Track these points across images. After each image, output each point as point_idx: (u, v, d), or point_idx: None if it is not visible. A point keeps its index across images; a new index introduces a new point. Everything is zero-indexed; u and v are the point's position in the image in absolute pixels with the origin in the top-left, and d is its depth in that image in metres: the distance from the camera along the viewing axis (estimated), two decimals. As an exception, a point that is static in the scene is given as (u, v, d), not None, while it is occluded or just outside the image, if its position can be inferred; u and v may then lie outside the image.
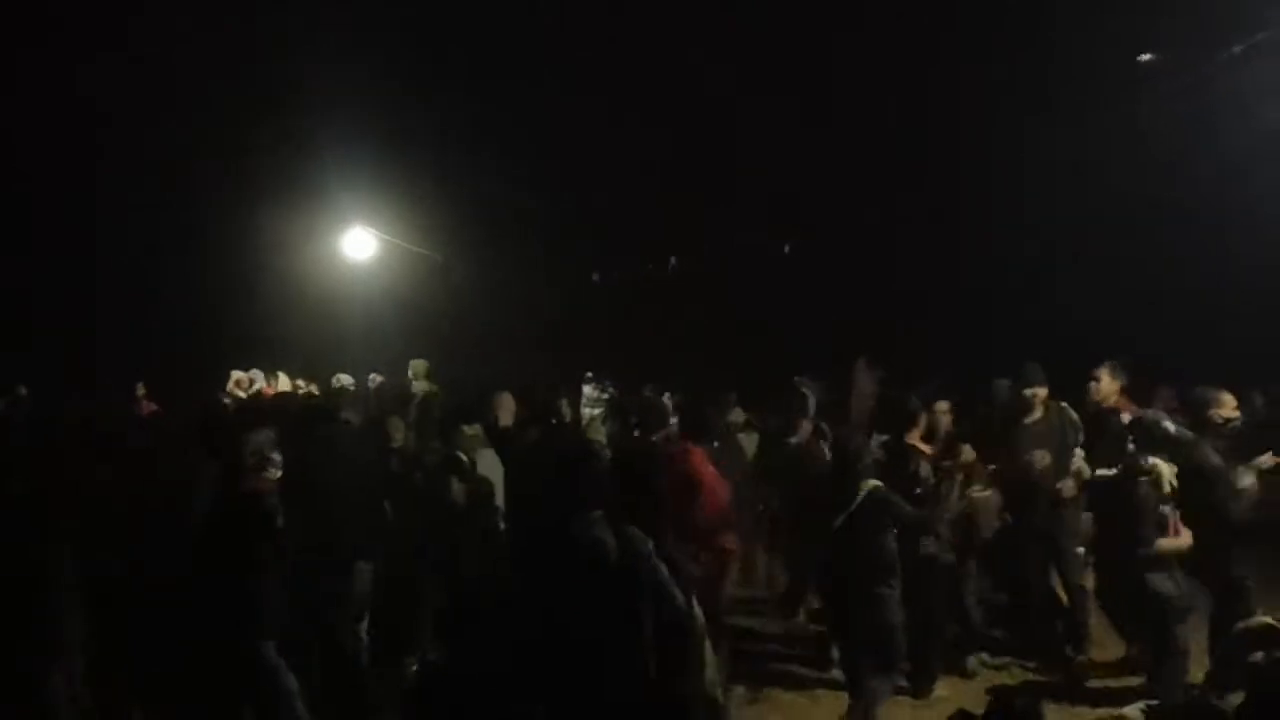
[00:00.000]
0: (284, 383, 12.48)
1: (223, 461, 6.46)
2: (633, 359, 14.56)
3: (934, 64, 14.76)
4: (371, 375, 13.56)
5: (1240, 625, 4.75)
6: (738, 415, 9.80)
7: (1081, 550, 7.62)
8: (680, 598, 5.07)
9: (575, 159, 17.09)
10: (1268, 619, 4.69)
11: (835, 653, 7.38)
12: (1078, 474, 7.41)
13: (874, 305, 16.49)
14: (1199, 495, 6.41)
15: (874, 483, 6.37)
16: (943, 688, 7.21)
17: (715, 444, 8.16)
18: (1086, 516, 7.51)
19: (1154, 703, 4.75)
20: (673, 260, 17.41)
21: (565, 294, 18.48)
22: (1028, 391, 7.78)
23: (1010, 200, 14.98)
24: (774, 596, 9.04)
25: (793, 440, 8.55)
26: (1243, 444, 6.95)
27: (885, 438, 7.51)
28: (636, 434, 9.21)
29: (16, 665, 5.75)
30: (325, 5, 14.70)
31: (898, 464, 7.03)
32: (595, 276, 18.06)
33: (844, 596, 6.55)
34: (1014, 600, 8.04)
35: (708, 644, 5.36)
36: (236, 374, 12.19)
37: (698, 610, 5.28)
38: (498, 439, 7.70)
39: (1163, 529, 6.41)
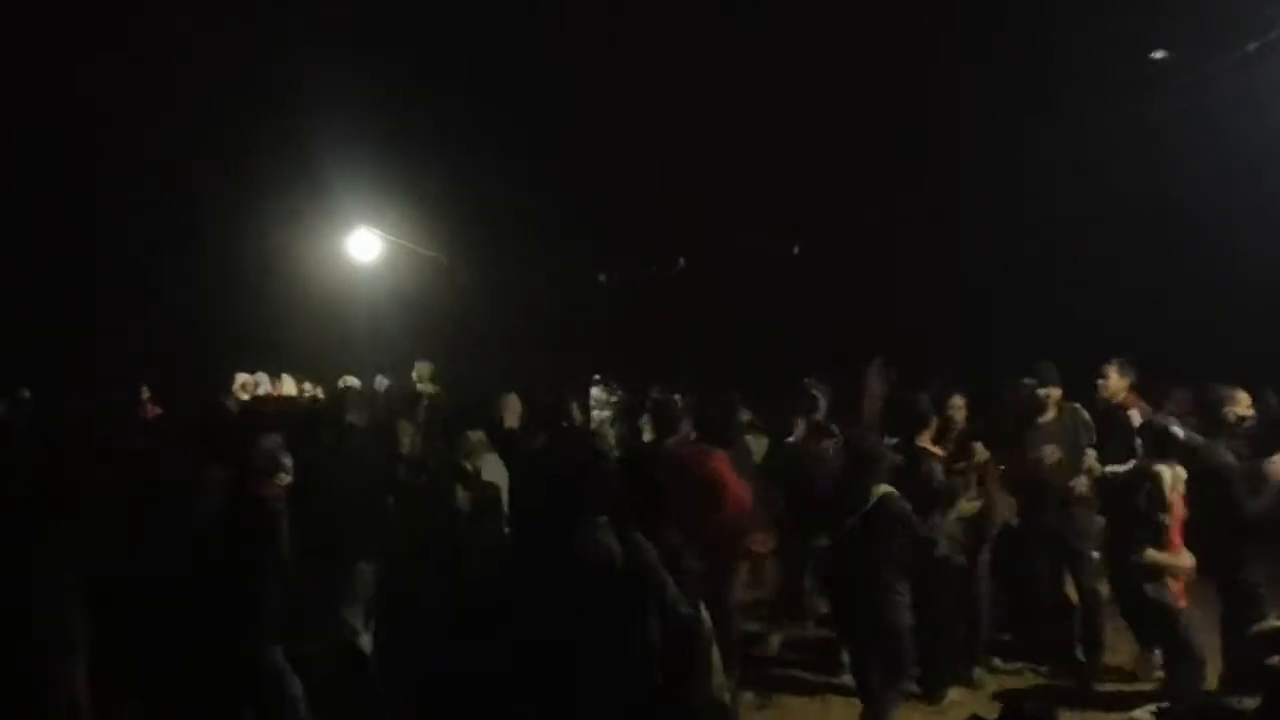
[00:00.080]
0: (288, 385, 12.45)
1: (231, 465, 6.45)
2: (636, 359, 14.51)
3: (934, 64, 14.74)
4: (378, 377, 13.54)
5: (1255, 629, 4.73)
6: (742, 416, 9.75)
7: (1096, 554, 7.60)
8: (685, 603, 5.05)
9: (576, 159, 17.07)
10: (1281, 623, 4.66)
11: (845, 657, 7.36)
12: (1090, 471, 7.38)
13: (874, 305, 16.48)
14: (1214, 496, 6.39)
15: (886, 488, 6.29)
16: (955, 693, 7.19)
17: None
18: (1100, 519, 7.49)
19: (1165, 705, 4.72)
20: (680, 261, 17.38)
21: (568, 294, 18.46)
22: (1041, 391, 7.74)
23: (1010, 200, 14.96)
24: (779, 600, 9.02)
25: (789, 440, 8.52)
26: (1259, 443, 6.92)
27: (895, 440, 7.47)
28: (648, 437, 9.22)
29: (17, 665, 5.73)
30: (325, 5, 14.67)
31: (909, 467, 7.00)
32: (601, 277, 18.03)
33: (851, 599, 6.51)
34: (1025, 602, 8.01)
35: (715, 649, 5.35)
36: (241, 376, 12.16)
37: (705, 615, 5.27)
38: (503, 442, 7.67)
39: (1158, 537, 6.39)
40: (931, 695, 7.14)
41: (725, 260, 17.25)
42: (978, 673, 7.52)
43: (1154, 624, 6.64)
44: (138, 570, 6.19)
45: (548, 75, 16.29)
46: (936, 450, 7.35)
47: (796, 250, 16.27)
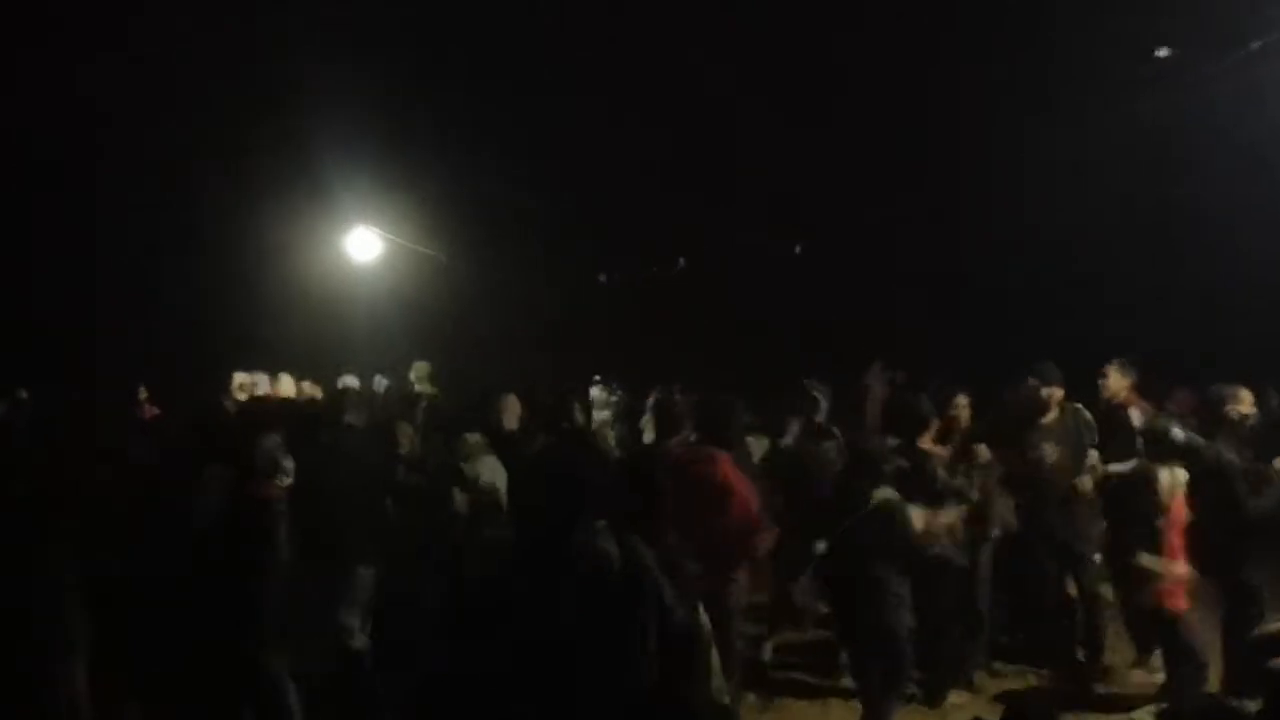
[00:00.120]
0: (286, 385, 12.42)
1: (230, 465, 6.44)
2: (635, 360, 14.53)
3: (934, 64, 14.74)
4: (376, 377, 13.52)
5: (1256, 632, 4.72)
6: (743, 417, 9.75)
7: (1098, 556, 7.59)
8: (683, 607, 5.05)
9: (576, 159, 17.07)
10: (1282, 624, 4.66)
11: (844, 659, 7.35)
12: (1093, 468, 7.37)
13: (874, 305, 16.49)
14: (1216, 496, 6.38)
15: (887, 492, 6.26)
16: (955, 695, 7.19)
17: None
18: (1103, 521, 7.48)
19: (1165, 706, 4.71)
20: (680, 261, 17.38)
21: (568, 294, 18.46)
22: (1044, 391, 7.73)
23: (1010, 200, 14.97)
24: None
25: (783, 441, 8.52)
26: (1260, 443, 6.93)
27: (897, 442, 7.46)
28: (649, 438, 9.21)
29: (16, 665, 5.73)
30: (325, 5, 14.67)
31: (913, 469, 6.99)
32: (602, 277, 18.03)
33: (850, 601, 6.51)
34: (1027, 604, 8.00)
35: (714, 652, 5.35)
36: (239, 376, 12.14)
37: (704, 618, 5.27)
38: (502, 444, 7.67)
39: (1153, 541, 6.38)
40: (932, 697, 7.14)
41: (725, 260, 17.26)
42: (978, 675, 7.51)
43: (1153, 627, 6.64)
44: (137, 570, 6.18)
45: (547, 75, 16.29)
46: (939, 451, 7.34)
47: (798, 250, 16.26)
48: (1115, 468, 7.15)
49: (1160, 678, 6.80)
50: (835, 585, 6.79)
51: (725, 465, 6.82)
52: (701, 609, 5.29)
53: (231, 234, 16.47)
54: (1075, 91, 13.35)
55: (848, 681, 7.17)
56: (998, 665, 7.72)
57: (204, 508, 6.36)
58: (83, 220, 15.98)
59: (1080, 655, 7.53)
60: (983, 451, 7.53)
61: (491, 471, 7.41)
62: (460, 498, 7.17)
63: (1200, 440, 6.64)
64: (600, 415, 11.76)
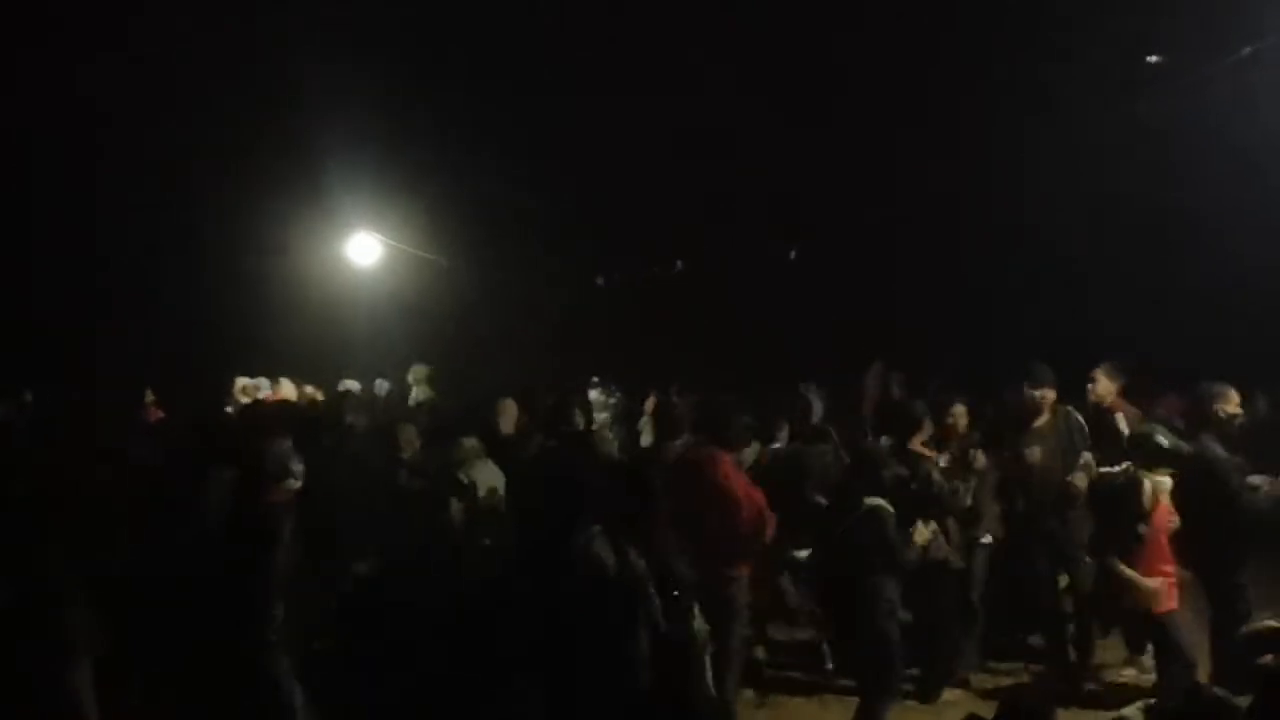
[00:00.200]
0: (287, 389, 12.46)
1: (236, 468, 6.47)
2: (635, 361, 14.55)
3: (934, 64, 14.76)
4: (378, 381, 13.54)
5: (1245, 629, 4.75)
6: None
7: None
8: (677, 615, 5.09)
9: (576, 159, 17.09)
10: (1272, 622, 4.68)
11: (830, 659, 7.38)
12: (1087, 466, 7.38)
13: (874, 305, 16.51)
14: (1209, 494, 6.40)
15: (877, 501, 6.26)
16: (950, 693, 7.22)
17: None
18: (1095, 523, 7.50)
19: (1152, 702, 4.73)
20: (678, 263, 17.37)
21: (567, 295, 18.47)
22: (1037, 393, 7.73)
23: (1010, 200, 14.98)
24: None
25: (775, 444, 8.53)
26: (1247, 445, 6.95)
27: (889, 442, 7.49)
28: (647, 440, 9.21)
29: (17, 666, 5.75)
30: (325, 5, 14.69)
31: (912, 475, 7.01)
32: (600, 280, 18.03)
33: (841, 603, 6.53)
34: (1023, 604, 8.03)
35: (709, 653, 5.38)
36: (242, 380, 12.19)
37: (699, 622, 5.30)
38: (499, 448, 7.68)
39: (1132, 547, 6.41)
40: (927, 694, 7.18)
41: (725, 261, 17.26)
42: (973, 673, 7.54)
43: (1143, 627, 6.67)
44: (141, 571, 6.21)
45: (547, 75, 16.31)
46: (929, 453, 7.37)
47: (793, 255, 16.26)
48: (1106, 471, 7.16)
49: (1152, 676, 6.83)
50: (829, 587, 6.80)
51: (727, 465, 6.84)
52: (697, 611, 5.32)
53: (231, 236, 16.50)
54: (1074, 92, 13.37)
55: (843, 679, 7.20)
56: (991, 664, 7.75)
57: (210, 510, 6.39)
58: (83, 220, 16.00)
59: (1073, 654, 7.55)
60: (979, 457, 7.55)
61: (488, 476, 7.43)
62: (457, 506, 7.18)
63: (1185, 446, 6.65)
64: (599, 417, 11.76)
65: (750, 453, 8.99)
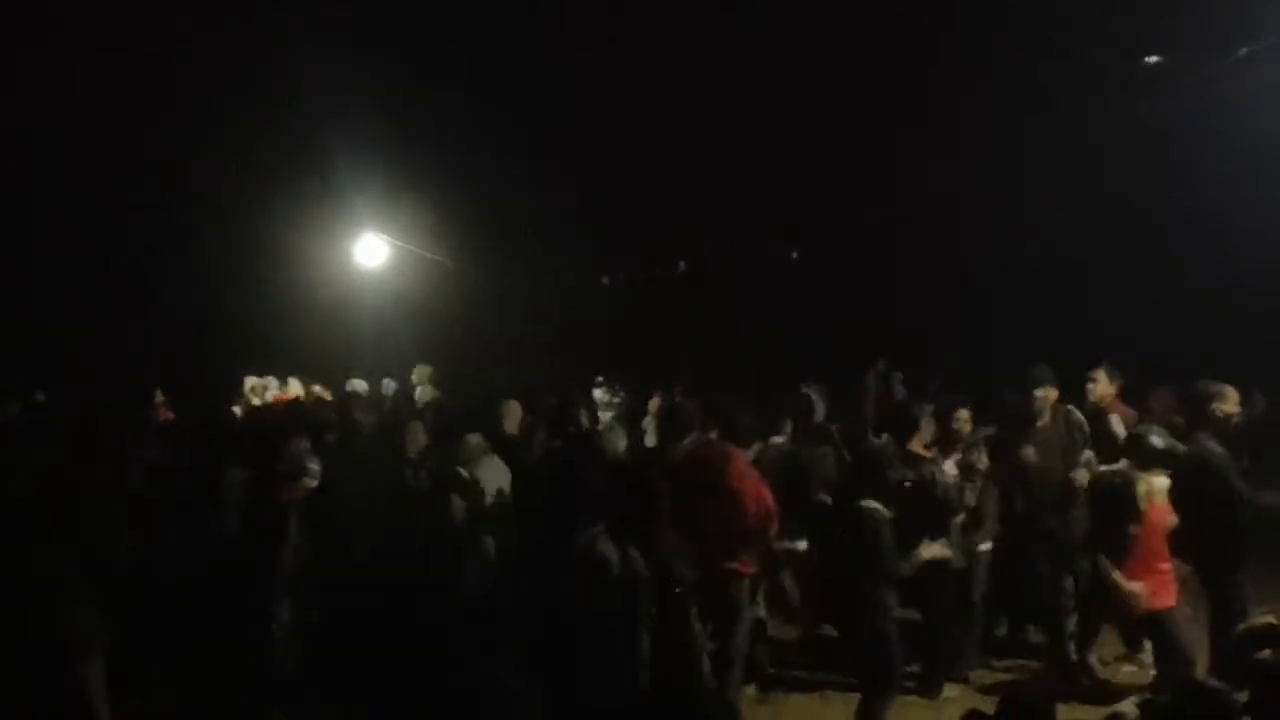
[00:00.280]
0: (295, 388, 12.49)
1: (250, 468, 6.48)
2: (637, 361, 14.56)
3: (934, 64, 14.76)
4: (385, 380, 13.56)
5: (1243, 625, 4.76)
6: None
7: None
8: (677, 611, 5.10)
9: (575, 160, 17.11)
10: (1269, 618, 4.69)
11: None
12: (1089, 464, 7.40)
13: (874, 305, 16.51)
14: (1206, 493, 6.40)
15: (872, 504, 6.24)
16: (950, 688, 7.24)
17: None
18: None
19: (1148, 697, 4.75)
20: (680, 264, 17.40)
21: (570, 296, 18.49)
22: (1038, 393, 7.75)
23: (1010, 200, 14.99)
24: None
25: (776, 441, 8.53)
26: (1245, 443, 6.96)
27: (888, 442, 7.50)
28: (651, 439, 9.20)
29: (18, 666, 5.75)
30: (327, 5, 14.71)
31: (917, 480, 7.02)
32: (604, 280, 18.05)
33: (840, 603, 6.53)
34: (1024, 602, 8.04)
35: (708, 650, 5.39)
36: (250, 380, 12.22)
37: (695, 624, 5.32)
38: (503, 448, 7.69)
39: (1123, 547, 6.42)
40: (928, 690, 7.19)
41: (725, 261, 17.28)
42: (974, 670, 7.56)
43: (1141, 624, 6.69)
44: (148, 571, 6.21)
45: (548, 75, 16.33)
46: (927, 454, 7.38)
47: (795, 255, 16.28)
48: (1106, 469, 7.17)
49: (1151, 672, 6.85)
50: (829, 587, 6.81)
51: (740, 462, 6.85)
52: (695, 612, 5.34)
53: (239, 237, 16.52)
54: (1074, 92, 13.38)
55: (844, 675, 7.21)
56: (992, 660, 7.76)
57: (222, 510, 6.40)
58: (83, 220, 16.02)
59: (1072, 651, 7.57)
60: (981, 459, 7.56)
61: (493, 474, 7.43)
62: (458, 503, 7.19)
63: (1180, 446, 6.67)
64: (603, 416, 11.78)
65: (751, 451, 9.01)
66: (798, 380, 9.26)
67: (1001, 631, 8.17)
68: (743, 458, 6.98)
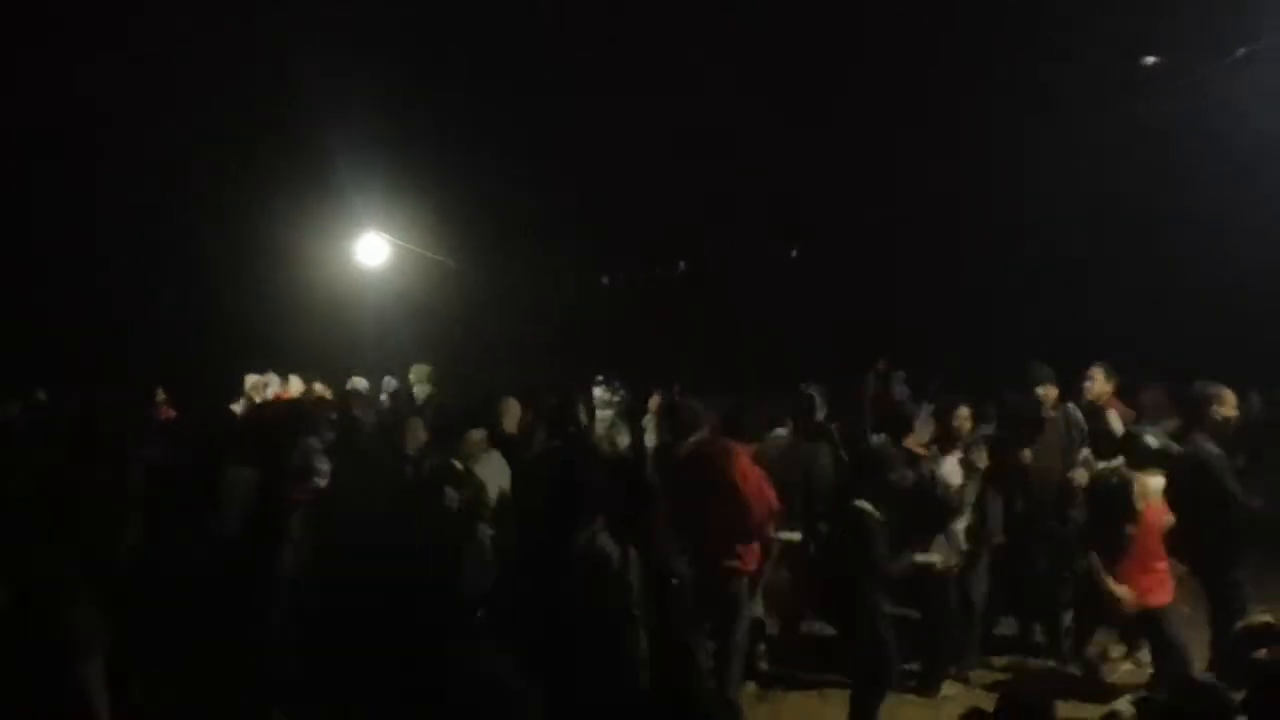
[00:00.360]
0: (295, 387, 12.49)
1: (254, 467, 6.48)
2: (637, 360, 14.56)
3: (934, 64, 14.77)
4: (386, 378, 13.56)
5: (1240, 624, 4.77)
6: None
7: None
8: (676, 610, 5.11)
9: (575, 160, 17.12)
10: (1266, 617, 4.70)
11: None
12: (1087, 462, 7.42)
13: (874, 305, 16.53)
14: (1202, 493, 6.41)
15: (864, 506, 6.23)
16: (950, 686, 7.26)
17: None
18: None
19: (1145, 695, 4.77)
20: (680, 264, 17.42)
21: (570, 296, 18.50)
22: (1039, 390, 7.78)
23: (1010, 200, 15.00)
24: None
25: (778, 434, 8.54)
26: (1243, 443, 6.97)
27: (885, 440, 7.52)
28: (651, 438, 9.21)
29: (18, 666, 5.75)
30: (327, 5, 14.71)
31: (917, 482, 7.03)
32: (604, 280, 18.07)
33: (839, 603, 6.53)
34: (1024, 600, 8.05)
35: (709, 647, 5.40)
36: (251, 378, 12.22)
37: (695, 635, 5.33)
38: (502, 446, 7.70)
39: (1118, 547, 6.43)
40: (927, 688, 7.20)
41: (725, 261, 17.29)
42: (973, 668, 7.57)
43: (1139, 622, 6.70)
44: (150, 570, 6.21)
45: (548, 75, 16.34)
46: (923, 451, 7.38)
47: (794, 254, 16.30)
48: (1104, 466, 7.19)
49: (1149, 670, 6.86)
50: (827, 587, 6.81)
51: (743, 460, 6.87)
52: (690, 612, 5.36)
53: (241, 236, 16.53)
54: (1074, 92, 13.39)
55: (844, 675, 7.22)
56: (991, 658, 7.77)
57: (225, 509, 6.40)
58: (83, 220, 16.02)
59: (1071, 649, 7.59)
60: (981, 457, 7.57)
61: (493, 470, 7.43)
62: (453, 495, 7.18)
63: (1175, 446, 6.68)
64: (604, 414, 11.79)
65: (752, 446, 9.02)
66: (798, 380, 9.26)
67: (1005, 630, 8.18)
68: (745, 455, 6.99)
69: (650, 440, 10.34)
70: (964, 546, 7.32)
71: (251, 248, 16.77)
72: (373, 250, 16.22)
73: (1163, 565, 6.46)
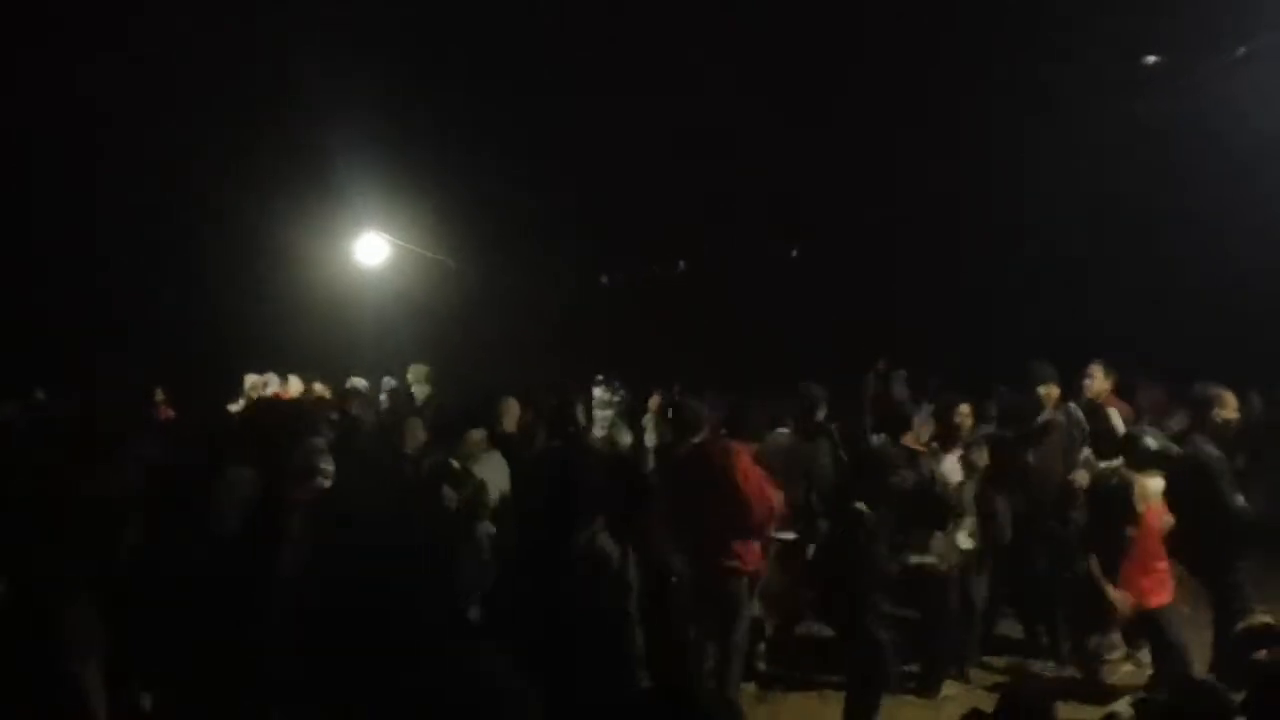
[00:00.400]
0: (295, 386, 12.49)
1: (255, 467, 6.47)
2: (636, 359, 14.55)
3: (934, 64, 14.77)
4: (385, 378, 13.57)
5: (1241, 625, 4.78)
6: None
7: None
8: (675, 610, 5.12)
9: (575, 160, 17.10)
10: (1266, 618, 4.71)
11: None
12: (1088, 463, 7.43)
13: (874, 305, 16.52)
14: (1201, 495, 6.41)
15: (861, 507, 6.25)
16: (950, 686, 7.26)
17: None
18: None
19: (1144, 695, 4.79)
20: (680, 263, 17.41)
21: (570, 295, 18.48)
22: (1041, 389, 7.79)
23: (1010, 200, 14.99)
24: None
25: (780, 433, 8.54)
26: (1244, 444, 6.97)
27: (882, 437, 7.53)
28: (651, 438, 9.21)
29: (18, 665, 5.75)
30: (327, 5, 14.70)
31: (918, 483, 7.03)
32: (604, 279, 18.06)
33: (837, 603, 6.54)
34: (1024, 601, 8.06)
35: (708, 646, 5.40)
36: (251, 378, 12.23)
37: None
38: (502, 446, 7.70)
39: (1119, 549, 6.44)
40: (927, 688, 7.21)
41: (725, 261, 17.28)
42: (973, 668, 7.58)
43: (1140, 623, 6.71)
44: (148, 570, 6.21)
45: (548, 75, 16.33)
46: (922, 449, 7.39)
47: (795, 254, 16.29)
48: (1105, 465, 7.20)
49: (1149, 670, 6.87)
50: (826, 587, 6.82)
51: (745, 459, 6.88)
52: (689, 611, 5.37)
53: (240, 235, 16.51)
54: (1074, 92, 13.39)
55: (843, 675, 7.22)
56: (991, 659, 7.78)
57: (225, 509, 6.40)
58: (83, 220, 16.01)
59: (1070, 649, 7.59)
60: (981, 456, 7.58)
61: (493, 469, 7.44)
62: (450, 494, 7.19)
63: (1174, 447, 6.69)
64: (604, 414, 11.79)
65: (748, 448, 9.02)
66: (798, 380, 9.27)
67: (1005, 630, 8.19)
68: (746, 455, 6.99)
69: (650, 440, 10.35)
70: (968, 546, 7.33)
71: (251, 248, 16.75)
72: (372, 250, 16.21)
73: (1163, 566, 6.47)
